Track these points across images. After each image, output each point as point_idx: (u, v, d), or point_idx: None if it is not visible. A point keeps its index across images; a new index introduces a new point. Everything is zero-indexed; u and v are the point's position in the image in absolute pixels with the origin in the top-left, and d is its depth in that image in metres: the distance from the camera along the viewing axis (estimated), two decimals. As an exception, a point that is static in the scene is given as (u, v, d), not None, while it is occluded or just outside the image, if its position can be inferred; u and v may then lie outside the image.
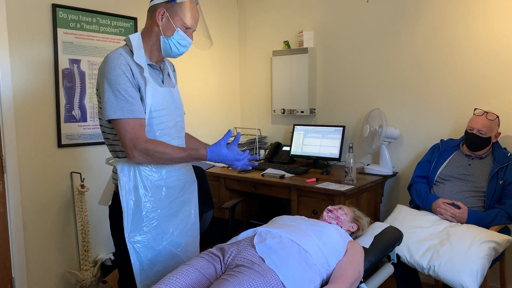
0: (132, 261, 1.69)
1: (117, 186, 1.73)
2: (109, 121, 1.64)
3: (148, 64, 1.72)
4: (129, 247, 1.69)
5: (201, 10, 1.79)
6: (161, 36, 1.70)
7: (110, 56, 1.63)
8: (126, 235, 1.68)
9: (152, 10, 1.71)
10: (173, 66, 1.96)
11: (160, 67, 1.80)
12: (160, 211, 1.75)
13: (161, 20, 1.69)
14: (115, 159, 1.74)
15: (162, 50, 1.73)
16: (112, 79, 1.59)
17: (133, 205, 1.69)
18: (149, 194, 1.71)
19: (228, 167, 3.45)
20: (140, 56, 1.68)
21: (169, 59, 1.88)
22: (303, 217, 2.06)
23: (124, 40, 1.74)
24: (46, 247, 2.79)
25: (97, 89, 1.71)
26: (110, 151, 1.77)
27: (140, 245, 1.71)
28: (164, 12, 1.68)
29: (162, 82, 1.79)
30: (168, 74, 1.87)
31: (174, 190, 1.80)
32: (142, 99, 1.65)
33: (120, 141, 1.63)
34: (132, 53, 1.67)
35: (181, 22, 1.70)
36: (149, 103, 1.66)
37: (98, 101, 1.72)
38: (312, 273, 1.63)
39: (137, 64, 1.67)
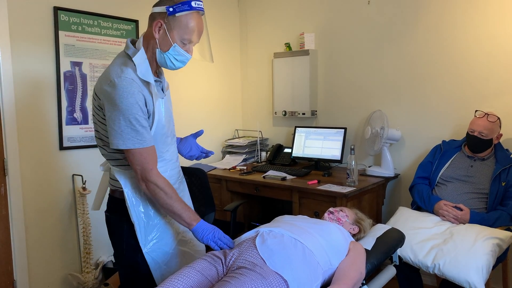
0: (152, 270, 1.71)
1: (114, 191, 1.73)
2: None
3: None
4: (148, 258, 1.70)
5: (206, 22, 1.72)
6: (157, 50, 1.62)
7: (121, 81, 1.51)
8: (144, 249, 1.68)
9: (151, 19, 1.61)
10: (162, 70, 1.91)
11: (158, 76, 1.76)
12: (166, 218, 1.76)
13: (158, 33, 1.59)
14: (116, 169, 1.69)
15: (158, 63, 1.67)
16: (124, 108, 1.51)
17: (144, 217, 1.69)
18: (156, 204, 1.71)
19: (229, 169, 3.47)
20: (148, 74, 1.60)
21: None
22: (305, 216, 2.06)
23: (128, 52, 1.62)
24: (47, 250, 2.79)
25: (94, 99, 1.63)
26: (107, 159, 1.72)
27: (156, 254, 1.72)
28: (161, 25, 1.57)
29: (163, 90, 1.75)
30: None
31: None
32: (149, 119, 1.62)
33: (132, 167, 1.61)
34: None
35: (179, 37, 1.59)
36: (156, 121, 1.63)
37: (96, 114, 1.64)
38: (315, 271, 1.62)
39: (144, 82, 1.59)
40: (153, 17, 1.61)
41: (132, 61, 1.59)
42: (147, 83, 1.60)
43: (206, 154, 1.99)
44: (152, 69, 1.68)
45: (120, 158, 1.67)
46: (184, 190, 1.92)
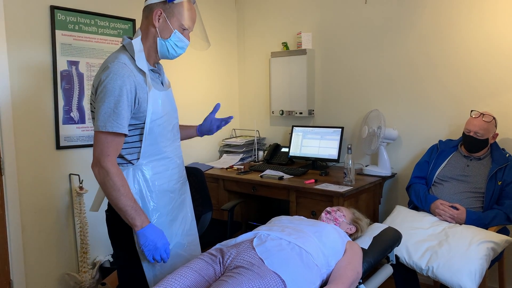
0: (145, 269, 1.70)
1: None
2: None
3: (149, 69, 1.70)
4: (142, 257, 1.69)
5: (199, 10, 1.75)
6: (158, 38, 1.67)
7: (113, 65, 1.56)
8: (139, 248, 1.67)
9: (148, 10, 1.67)
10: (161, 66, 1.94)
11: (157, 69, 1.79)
12: (165, 217, 1.75)
13: (158, 21, 1.65)
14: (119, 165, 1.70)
15: (159, 52, 1.70)
16: (110, 89, 1.54)
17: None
18: (155, 201, 1.71)
19: (227, 169, 3.47)
20: (143, 62, 1.64)
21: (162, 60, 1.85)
22: (302, 217, 2.07)
23: (123, 44, 1.68)
24: (44, 249, 2.78)
25: (92, 94, 1.66)
26: None
27: None
28: (161, 13, 1.64)
29: (162, 84, 1.78)
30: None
31: (175, 194, 1.80)
32: (141, 107, 1.62)
33: (93, 149, 1.60)
34: (133, 58, 1.63)
35: (179, 23, 1.66)
36: (150, 110, 1.63)
37: (92, 107, 1.67)
38: (313, 274, 1.63)
39: (140, 70, 1.63)
40: (149, 8, 1.66)
41: (127, 51, 1.65)
42: (142, 72, 1.64)
43: (226, 121, 2.05)
44: (151, 60, 1.72)
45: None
46: (186, 192, 1.91)
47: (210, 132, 2.06)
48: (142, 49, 1.66)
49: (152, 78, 1.70)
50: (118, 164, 1.67)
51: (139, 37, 1.67)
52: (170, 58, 1.74)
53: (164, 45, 1.68)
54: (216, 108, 2.01)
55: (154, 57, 1.72)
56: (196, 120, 3.72)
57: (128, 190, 1.60)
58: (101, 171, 1.57)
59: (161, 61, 1.85)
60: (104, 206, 1.82)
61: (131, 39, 1.69)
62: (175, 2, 1.64)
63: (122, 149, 1.66)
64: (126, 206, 1.57)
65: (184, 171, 1.91)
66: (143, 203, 1.69)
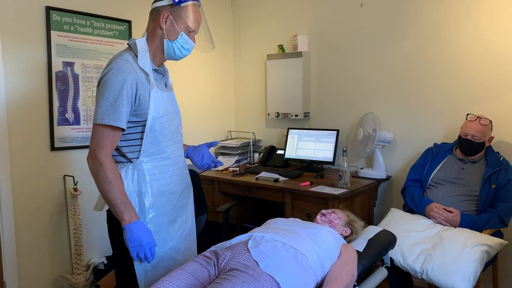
0: (136, 268, 1.69)
1: None
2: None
3: (153, 69, 1.72)
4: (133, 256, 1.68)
5: (203, 12, 1.79)
6: (165, 40, 1.70)
7: (116, 61, 1.61)
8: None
9: (155, 13, 1.70)
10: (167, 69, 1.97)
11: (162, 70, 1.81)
12: (162, 217, 1.75)
13: (165, 24, 1.68)
14: (117, 164, 1.70)
15: (165, 53, 1.74)
16: (110, 84, 1.57)
17: (137, 211, 1.68)
18: (152, 200, 1.71)
19: (222, 171, 3.46)
20: (146, 61, 1.67)
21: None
22: (297, 219, 2.07)
23: (128, 43, 1.72)
24: (38, 251, 2.76)
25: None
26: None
27: None
28: (168, 16, 1.67)
29: (165, 85, 1.80)
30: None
31: (175, 195, 1.80)
32: (142, 104, 1.64)
33: (90, 141, 1.63)
34: (137, 57, 1.66)
35: (185, 26, 1.70)
36: (152, 109, 1.65)
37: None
38: (307, 276, 1.63)
39: (142, 70, 1.66)
40: (156, 11, 1.70)
41: (132, 50, 1.69)
42: (146, 73, 1.67)
43: (216, 164, 2.00)
44: (157, 60, 1.75)
45: (115, 155, 1.69)
46: (189, 197, 1.92)
47: (200, 167, 1.98)
48: (147, 49, 1.69)
49: (156, 78, 1.73)
50: (119, 162, 1.69)
51: (144, 38, 1.72)
52: (176, 59, 1.78)
53: (171, 46, 1.71)
54: (213, 143, 2.00)
55: (160, 58, 1.75)
56: (193, 121, 3.74)
57: (120, 184, 1.61)
58: (95, 163, 1.59)
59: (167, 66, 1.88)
60: (107, 206, 1.81)
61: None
62: (181, 5, 1.68)
63: (124, 146, 1.67)
64: (116, 199, 1.59)
65: (188, 176, 1.91)
66: (140, 201, 1.69)
